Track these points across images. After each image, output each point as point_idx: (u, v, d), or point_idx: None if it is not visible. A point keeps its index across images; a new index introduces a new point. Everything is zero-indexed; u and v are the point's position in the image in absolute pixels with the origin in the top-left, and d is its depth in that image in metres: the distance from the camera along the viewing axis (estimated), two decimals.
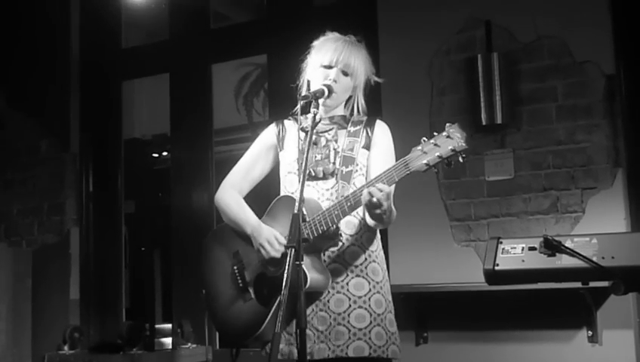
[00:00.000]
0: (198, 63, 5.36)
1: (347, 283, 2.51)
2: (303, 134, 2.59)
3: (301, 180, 2.25)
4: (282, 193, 2.63)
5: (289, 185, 2.62)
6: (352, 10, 4.75)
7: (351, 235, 2.54)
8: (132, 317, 5.81)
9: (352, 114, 2.68)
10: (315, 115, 2.41)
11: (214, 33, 5.41)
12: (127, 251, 5.98)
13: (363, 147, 2.60)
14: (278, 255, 2.46)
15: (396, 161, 2.37)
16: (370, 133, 2.62)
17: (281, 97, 4.57)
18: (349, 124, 2.65)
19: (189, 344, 4.69)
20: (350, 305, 2.49)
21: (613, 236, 2.41)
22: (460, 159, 2.27)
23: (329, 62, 2.58)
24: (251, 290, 2.54)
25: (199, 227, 4.97)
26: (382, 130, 2.65)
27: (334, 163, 2.56)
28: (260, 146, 2.75)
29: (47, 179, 5.55)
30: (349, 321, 2.48)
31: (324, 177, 2.56)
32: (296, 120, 2.66)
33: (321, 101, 2.50)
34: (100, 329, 5.42)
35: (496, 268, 2.40)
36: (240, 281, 2.58)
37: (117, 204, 5.60)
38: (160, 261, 7.34)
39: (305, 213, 2.36)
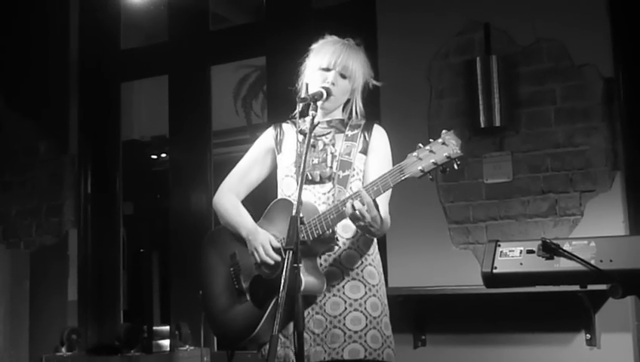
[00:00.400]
0: (197, 65, 5.36)
1: (343, 286, 2.52)
2: (301, 137, 2.59)
3: (299, 183, 2.25)
4: (279, 196, 2.64)
5: (286, 188, 2.62)
6: (350, 13, 4.75)
7: (348, 239, 2.54)
8: (130, 319, 5.79)
9: (349, 117, 2.68)
10: (313, 117, 2.41)
11: (213, 35, 5.40)
12: (126, 253, 5.96)
13: (360, 151, 2.60)
14: (270, 261, 2.46)
15: (393, 166, 2.37)
16: (367, 138, 2.62)
17: (280, 99, 4.58)
18: (347, 128, 2.65)
19: (187, 346, 4.68)
20: (346, 308, 2.50)
21: (612, 239, 2.42)
22: (455, 166, 2.27)
23: (327, 65, 2.58)
24: (247, 292, 2.54)
25: (197, 229, 4.97)
26: (379, 135, 2.65)
27: (331, 167, 2.56)
28: (258, 150, 2.75)
29: (45, 180, 5.54)
30: (344, 324, 2.48)
31: (321, 181, 2.56)
32: (294, 123, 2.67)
33: (319, 104, 2.50)
34: (97, 331, 5.41)
35: (494, 271, 2.40)
36: (236, 283, 2.58)
37: (115, 206, 5.59)
38: (158, 263, 7.33)
39: (302, 216, 2.36)
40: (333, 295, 2.51)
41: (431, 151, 2.27)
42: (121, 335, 4.58)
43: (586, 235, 2.55)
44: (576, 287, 2.60)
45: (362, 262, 2.55)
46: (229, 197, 2.70)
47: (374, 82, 2.71)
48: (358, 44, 2.68)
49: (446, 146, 2.26)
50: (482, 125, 4.10)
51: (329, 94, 2.53)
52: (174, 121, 5.45)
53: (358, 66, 2.61)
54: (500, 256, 2.42)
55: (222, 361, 4.55)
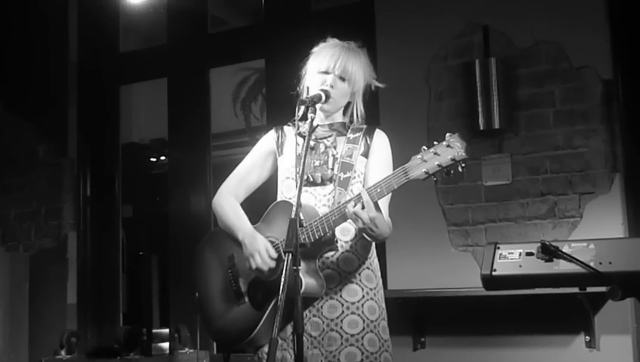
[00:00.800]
0: (196, 68, 5.36)
1: (340, 290, 2.52)
2: (300, 139, 2.59)
3: (299, 185, 2.25)
4: (279, 198, 2.64)
5: (286, 190, 2.62)
6: (349, 15, 4.76)
7: (346, 242, 2.54)
8: (129, 322, 5.79)
9: (351, 121, 2.68)
10: (312, 119, 2.42)
11: (212, 38, 5.41)
12: (125, 255, 5.96)
13: (362, 154, 2.60)
14: (265, 268, 2.46)
15: (394, 169, 2.37)
16: (369, 141, 2.62)
17: (279, 102, 4.58)
18: (349, 131, 2.65)
19: (187, 348, 4.67)
20: (343, 311, 2.50)
21: (611, 241, 2.41)
22: (460, 169, 2.27)
23: (326, 68, 2.59)
24: (245, 294, 2.54)
25: (197, 232, 4.95)
26: (381, 139, 2.65)
27: (332, 169, 2.56)
28: (259, 152, 2.75)
29: (44, 183, 5.54)
30: (341, 327, 2.48)
31: (322, 183, 2.56)
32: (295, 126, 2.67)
33: (318, 106, 2.50)
34: (97, 333, 5.41)
35: (493, 273, 2.40)
36: (234, 285, 2.58)
37: (115, 209, 5.59)
38: (157, 265, 7.34)
39: (302, 218, 2.36)
40: (331, 298, 2.51)
41: (435, 153, 2.27)
42: (120, 338, 4.58)
43: (585, 237, 2.55)
44: (576, 289, 2.59)
45: (360, 266, 2.55)
46: (228, 200, 2.70)
47: (377, 84, 2.71)
48: (359, 46, 2.68)
49: (451, 149, 2.26)
50: (481, 127, 4.10)
51: (328, 97, 2.53)
52: (173, 123, 5.45)
53: (357, 69, 2.61)
54: (499, 258, 2.41)
55: None
